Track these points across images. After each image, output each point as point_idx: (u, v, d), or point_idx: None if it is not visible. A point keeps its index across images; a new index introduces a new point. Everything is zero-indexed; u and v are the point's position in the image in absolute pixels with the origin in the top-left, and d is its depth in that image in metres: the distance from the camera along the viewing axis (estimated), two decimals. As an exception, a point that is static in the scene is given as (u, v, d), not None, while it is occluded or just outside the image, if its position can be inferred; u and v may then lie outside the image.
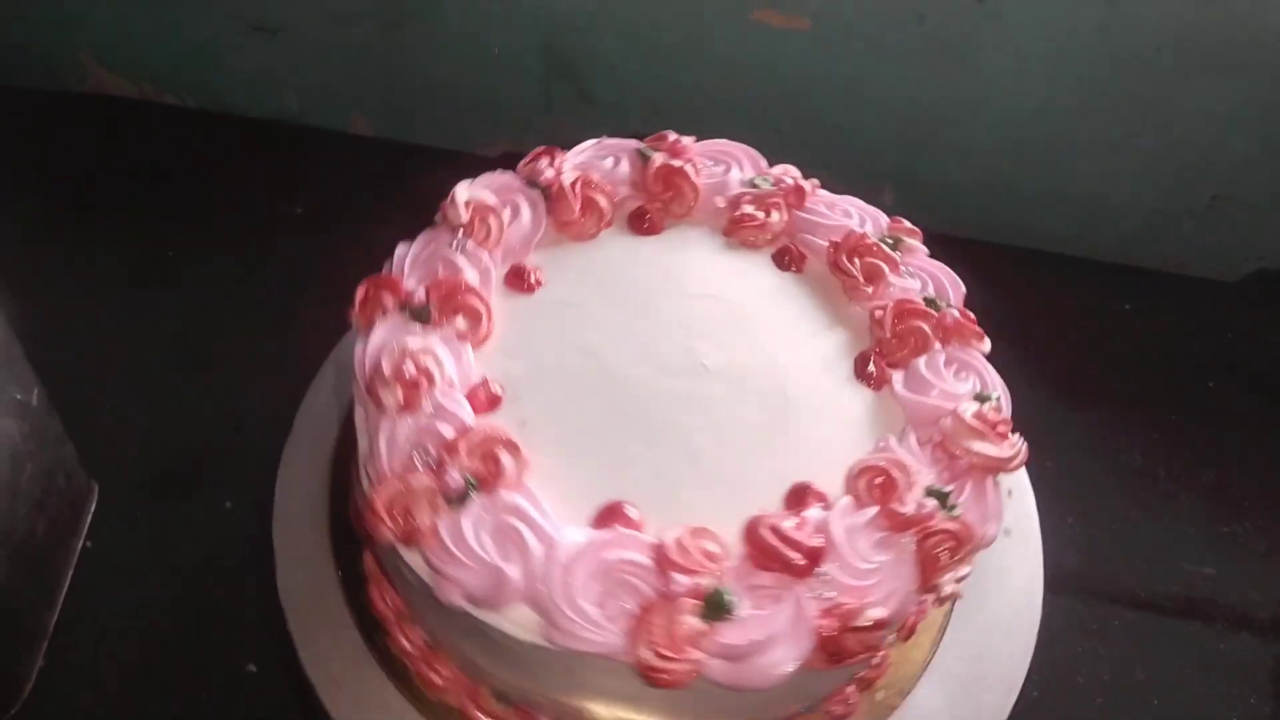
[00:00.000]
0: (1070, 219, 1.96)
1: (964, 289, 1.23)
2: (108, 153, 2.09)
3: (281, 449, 1.42)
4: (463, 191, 1.23)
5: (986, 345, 1.17)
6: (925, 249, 1.27)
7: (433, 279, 1.18)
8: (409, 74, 2.01)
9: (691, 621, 0.93)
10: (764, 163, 1.33)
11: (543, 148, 1.32)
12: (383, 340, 1.13)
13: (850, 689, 1.16)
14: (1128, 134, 1.84)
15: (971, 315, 1.19)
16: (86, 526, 1.64)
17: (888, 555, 0.99)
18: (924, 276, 1.23)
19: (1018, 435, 1.10)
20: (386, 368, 1.08)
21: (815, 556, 0.97)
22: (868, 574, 0.98)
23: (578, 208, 1.25)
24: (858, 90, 1.83)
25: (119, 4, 2.01)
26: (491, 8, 1.87)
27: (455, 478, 1.01)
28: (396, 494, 1.01)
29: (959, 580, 1.03)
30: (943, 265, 1.25)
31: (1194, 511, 1.71)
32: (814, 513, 1.02)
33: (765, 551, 0.97)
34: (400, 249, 1.22)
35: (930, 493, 1.03)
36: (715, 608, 0.94)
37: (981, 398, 1.11)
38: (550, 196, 1.26)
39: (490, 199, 1.24)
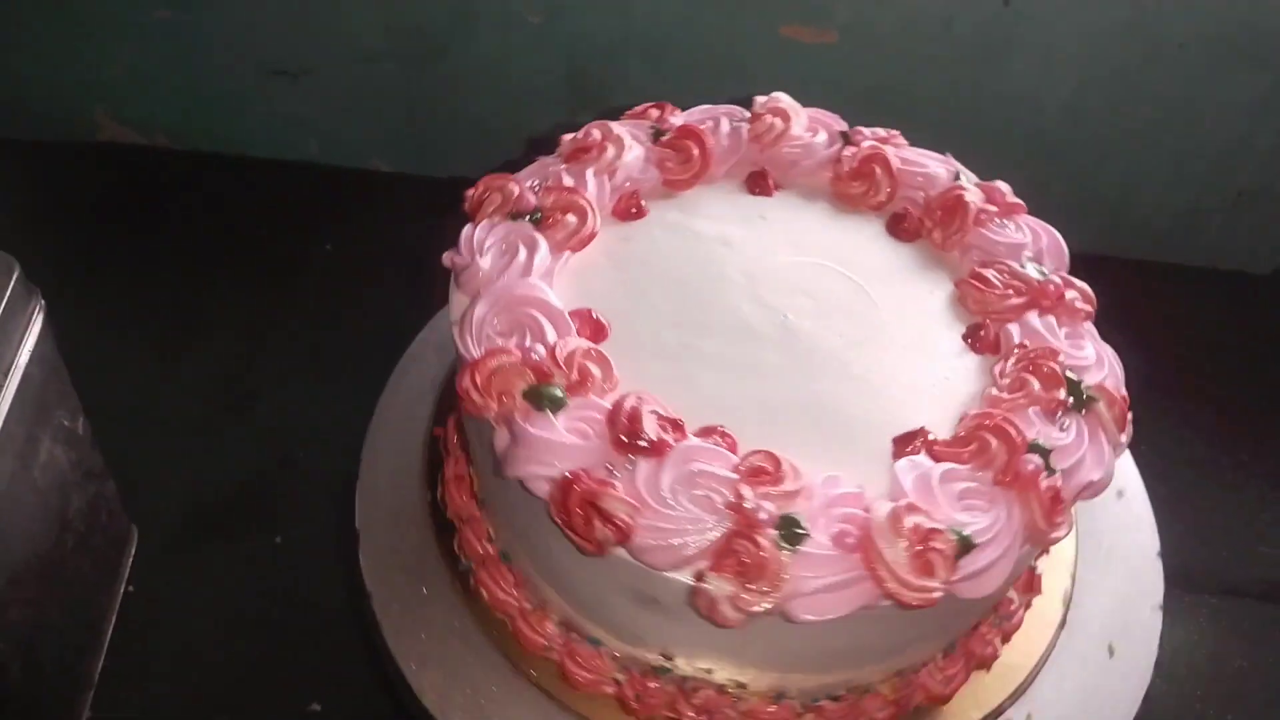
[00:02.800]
0: (1100, 219, 1.97)
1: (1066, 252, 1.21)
2: (137, 200, 2.09)
3: (332, 483, 1.37)
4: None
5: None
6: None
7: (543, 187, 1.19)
8: (432, 110, 2.02)
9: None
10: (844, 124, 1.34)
11: (652, 103, 1.32)
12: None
13: (991, 633, 1.13)
14: (1156, 131, 1.86)
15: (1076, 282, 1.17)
16: (128, 570, 1.58)
17: (992, 506, 0.95)
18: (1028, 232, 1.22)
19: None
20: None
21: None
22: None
23: (696, 151, 1.24)
24: (887, 99, 1.83)
25: (134, 59, 2.02)
26: (515, 39, 1.89)
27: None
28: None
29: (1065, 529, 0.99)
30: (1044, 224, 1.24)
31: (1264, 496, 1.69)
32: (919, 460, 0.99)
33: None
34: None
35: (1034, 448, 0.99)
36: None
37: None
38: (662, 137, 1.26)
39: (609, 129, 1.24)
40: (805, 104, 1.34)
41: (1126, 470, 1.36)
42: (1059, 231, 1.22)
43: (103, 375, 1.69)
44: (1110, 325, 1.15)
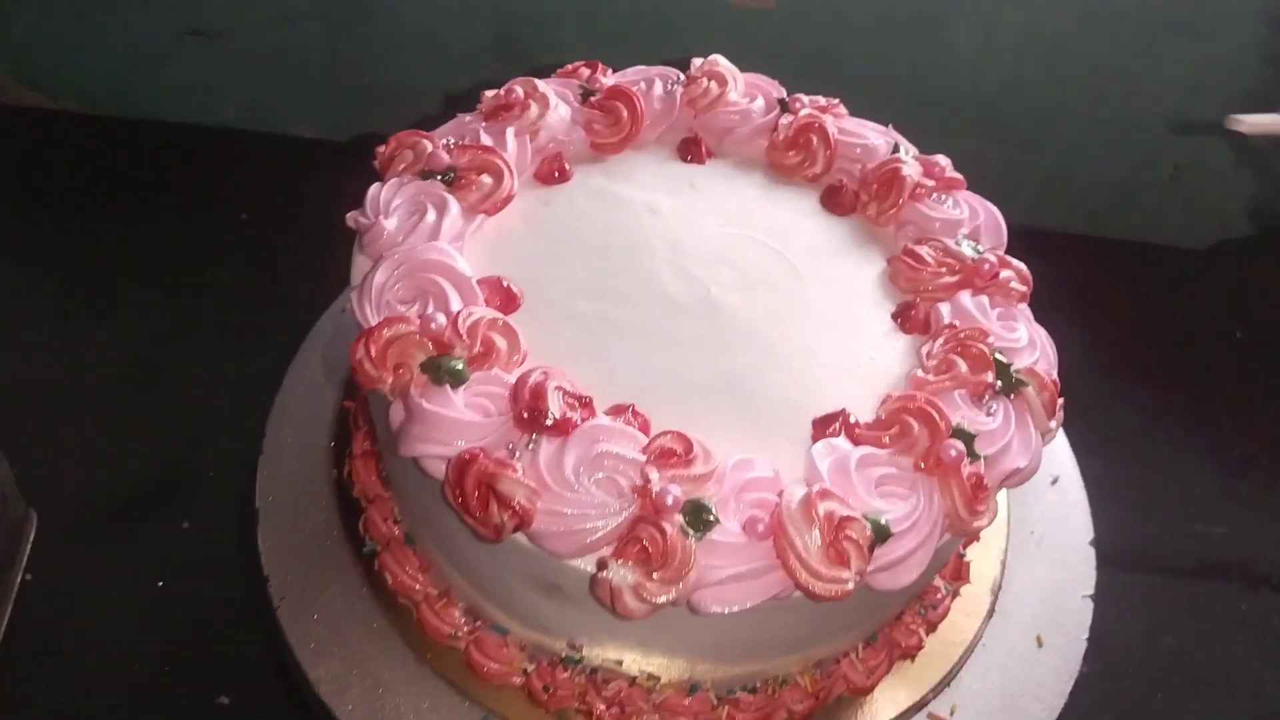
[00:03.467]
0: (1037, 194, 1.95)
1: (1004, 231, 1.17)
2: (42, 167, 1.98)
3: (244, 463, 1.28)
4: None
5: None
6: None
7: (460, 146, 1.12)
8: (356, 73, 1.94)
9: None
10: (783, 91, 1.28)
11: (583, 61, 1.26)
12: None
13: (915, 622, 1.09)
14: (1094, 105, 1.83)
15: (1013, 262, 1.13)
16: (25, 557, 1.50)
17: (911, 493, 0.91)
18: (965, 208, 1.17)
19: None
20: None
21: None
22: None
23: (626, 114, 1.18)
24: (823, 69, 1.78)
25: (38, 18, 1.91)
26: (443, 2, 1.82)
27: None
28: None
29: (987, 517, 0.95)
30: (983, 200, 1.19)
31: (1199, 472, 1.68)
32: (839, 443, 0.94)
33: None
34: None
35: (958, 433, 0.94)
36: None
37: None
38: (591, 97, 1.20)
39: (534, 86, 1.17)
40: (745, 71, 1.29)
41: (1061, 456, 1.33)
42: (995, 205, 1.18)
43: None
44: (1044, 300, 1.12)
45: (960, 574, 1.15)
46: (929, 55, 1.79)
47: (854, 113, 1.29)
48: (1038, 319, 1.09)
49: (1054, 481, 1.30)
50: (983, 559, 1.19)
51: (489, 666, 1.04)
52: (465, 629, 1.05)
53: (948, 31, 1.75)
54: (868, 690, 1.08)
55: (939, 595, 1.13)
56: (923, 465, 0.91)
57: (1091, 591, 1.23)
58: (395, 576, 1.08)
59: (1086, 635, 1.20)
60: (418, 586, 1.07)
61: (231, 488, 1.48)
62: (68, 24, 1.91)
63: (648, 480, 0.85)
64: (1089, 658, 1.30)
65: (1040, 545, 1.25)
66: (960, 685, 1.13)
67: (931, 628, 1.13)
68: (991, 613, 1.18)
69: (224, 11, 1.88)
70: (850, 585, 0.84)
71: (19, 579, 1.47)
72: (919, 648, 1.11)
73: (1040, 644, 1.18)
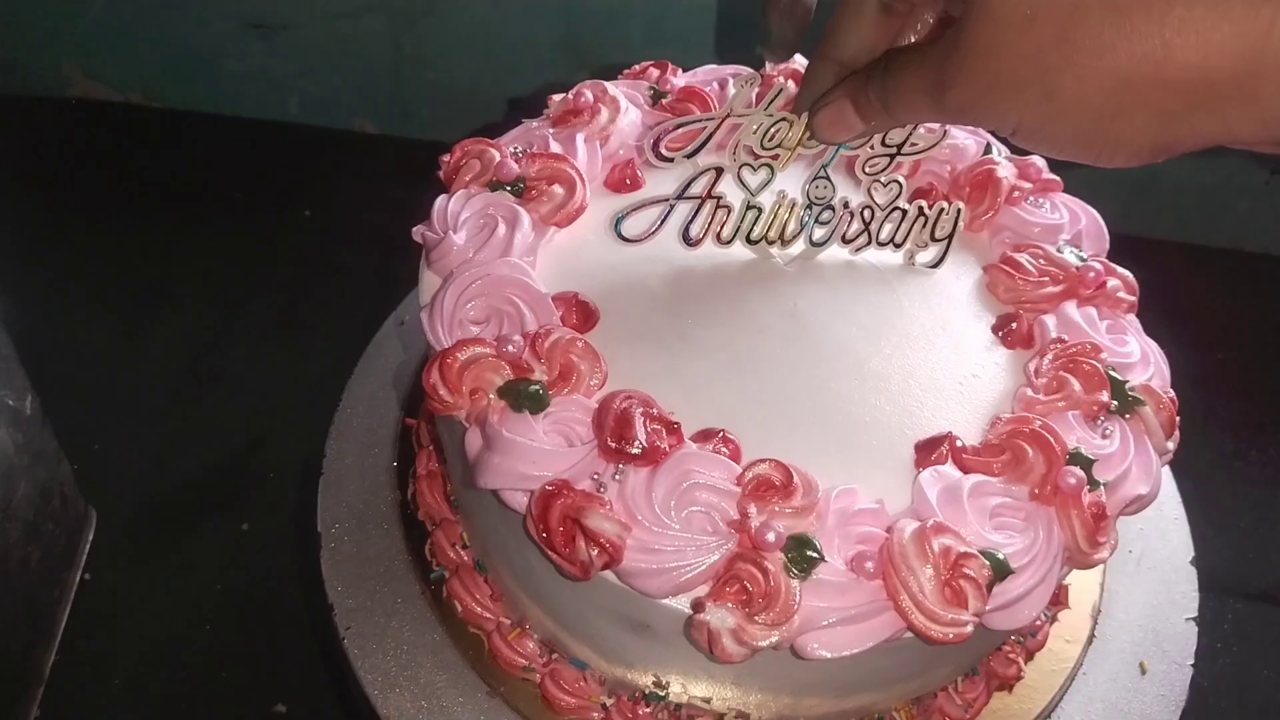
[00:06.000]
0: (1126, 198, 1.86)
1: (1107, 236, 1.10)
2: (108, 160, 1.98)
3: (304, 466, 1.25)
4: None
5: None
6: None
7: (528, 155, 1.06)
8: (421, 70, 1.90)
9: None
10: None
11: (652, 61, 1.20)
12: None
13: (1013, 651, 1.03)
14: None
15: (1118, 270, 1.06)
16: (84, 557, 1.48)
17: (1028, 525, 0.85)
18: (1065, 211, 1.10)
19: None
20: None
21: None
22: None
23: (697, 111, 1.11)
24: None
25: (105, 11, 1.90)
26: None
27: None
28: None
29: (1109, 549, 0.89)
30: (1082, 203, 1.12)
31: None
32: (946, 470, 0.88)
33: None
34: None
35: (1075, 458, 0.88)
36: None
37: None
38: (662, 99, 1.15)
39: (603, 89, 1.12)
40: None
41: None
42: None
43: (62, 350, 1.60)
44: (1146, 310, 1.05)
45: (1060, 599, 1.09)
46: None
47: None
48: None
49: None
50: (1080, 583, 1.13)
51: (565, 701, 0.99)
52: (540, 661, 1.00)
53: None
54: (965, 725, 1.02)
55: (1038, 622, 1.06)
56: (1039, 494, 0.85)
57: (1194, 614, 1.17)
58: (465, 604, 1.04)
59: (1191, 661, 1.13)
60: (489, 615, 1.03)
61: (290, 490, 1.47)
62: (133, 17, 1.90)
63: (746, 515, 0.79)
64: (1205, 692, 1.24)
65: (1140, 567, 1.18)
66: (1060, 716, 1.07)
67: (1030, 656, 1.07)
68: (1091, 638, 1.12)
69: (286, 5, 1.85)
70: (969, 628, 0.78)
71: (78, 578, 1.45)
72: (1018, 678, 1.05)
73: (1144, 670, 1.11)
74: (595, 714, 0.99)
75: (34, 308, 1.33)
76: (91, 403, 1.61)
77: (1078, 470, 0.85)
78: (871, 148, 1.02)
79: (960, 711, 1.01)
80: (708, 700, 0.94)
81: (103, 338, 1.71)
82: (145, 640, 1.41)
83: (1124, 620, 1.14)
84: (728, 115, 0.99)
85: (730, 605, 0.78)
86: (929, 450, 0.89)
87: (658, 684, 0.94)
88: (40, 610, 1.39)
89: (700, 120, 1.01)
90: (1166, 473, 1.26)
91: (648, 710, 0.96)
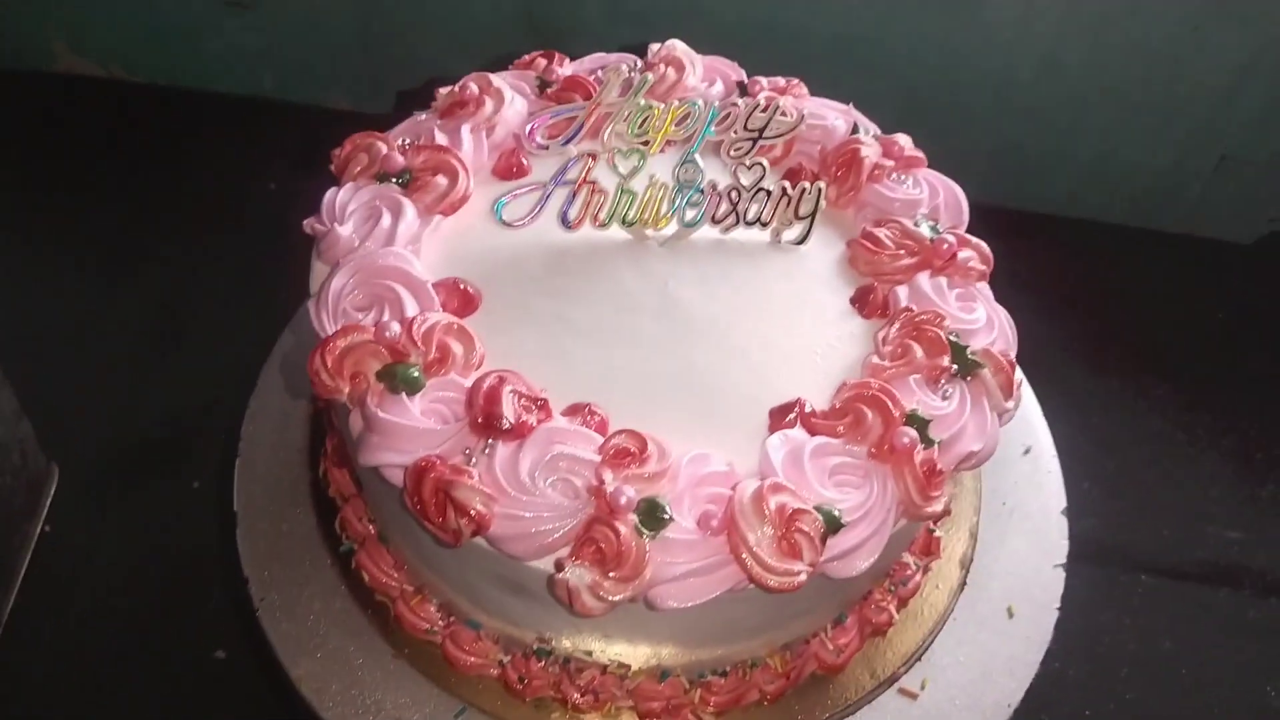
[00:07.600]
0: (1076, 181, 1.87)
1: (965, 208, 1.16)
2: (75, 132, 2.04)
3: None
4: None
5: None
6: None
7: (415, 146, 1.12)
8: (387, 47, 1.95)
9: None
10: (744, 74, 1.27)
11: (539, 51, 1.26)
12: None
13: (885, 599, 1.11)
14: (1135, 90, 1.76)
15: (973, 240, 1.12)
16: (45, 510, 1.54)
17: (864, 482, 0.92)
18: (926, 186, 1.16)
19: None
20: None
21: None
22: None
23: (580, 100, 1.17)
24: (859, 50, 1.76)
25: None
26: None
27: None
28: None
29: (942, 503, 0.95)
30: (943, 178, 1.18)
31: (1218, 475, 1.65)
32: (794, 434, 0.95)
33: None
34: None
35: (912, 419, 0.95)
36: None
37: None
38: (548, 89, 1.20)
39: (488, 81, 1.18)
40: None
41: (1035, 426, 1.33)
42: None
43: (30, 309, 1.66)
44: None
45: (930, 549, 1.16)
46: (964, 34, 1.73)
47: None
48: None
49: (1027, 451, 1.30)
50: (953, 533, 1.20)
51: (465, 660, 1.06)
52: (440, 624, 1.07)
53: (984, 9, 1.70)
54: (839, 669, 1.09)
55: (909, 572, 1.14)
56: (876, 453, 0.92)
57: (1063, 561, 1.23)
58: (371, 574, 1.10)
59: (1058, 605, 1.20)
60: (393, 584, 1.09)
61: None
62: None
63: (602, 481, 0.86)
64: (1081, 657, 1.31)
65: (1013, 517, 1.25)
66: (931, 659, 1.15)
67: (902, 604, 1.14)
68: (963, 586, 1.19)
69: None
70: (802, 577, 0.85)
71: (38, 530, 1.51)
72: (889, 624, 1.13)
73: (1011, 614, 1.18)
74: (493, 671, 1.06)
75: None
76: (53, 361, 1.66)
77: (911, 431, 0.92)
78: (735, 132, 1.09)
79: (832, 656, 1.08)
80: (589, 653, 1.01)
81: (65, 300, 1.77)
82: (99, 589, 1.47)
83: (994, 568, 1.21)
84: (597, 105, 1.06)
85: (587, 564, 0.85)
86: (781, 416, 0.96)
87: (542, 640, 1.01)
88: (1, 561, 1.44)
89: (573, 110, 1.08)
90: (1045, 429, 1.34)
91: (539, 665, 1.03)
